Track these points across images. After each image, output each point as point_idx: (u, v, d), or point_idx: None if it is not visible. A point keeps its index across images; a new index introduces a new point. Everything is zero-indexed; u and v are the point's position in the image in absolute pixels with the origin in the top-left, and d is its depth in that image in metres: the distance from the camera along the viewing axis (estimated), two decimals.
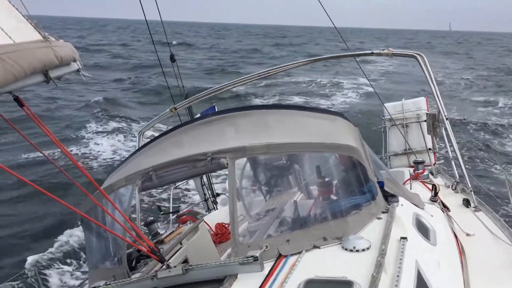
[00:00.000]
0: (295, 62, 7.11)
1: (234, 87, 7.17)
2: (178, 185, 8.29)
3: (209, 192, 8.31)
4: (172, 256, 3.91)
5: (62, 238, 10.61)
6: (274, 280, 2.79)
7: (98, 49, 59.42)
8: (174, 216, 6.81)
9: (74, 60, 3.11)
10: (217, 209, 7.97)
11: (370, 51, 6.30)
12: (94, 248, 3.99)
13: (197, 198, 10.35)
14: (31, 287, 8.05)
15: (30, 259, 9.21)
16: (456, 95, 31.35)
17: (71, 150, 17.51)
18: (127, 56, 53.47)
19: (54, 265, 9.07)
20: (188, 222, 5.37)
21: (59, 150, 2.99)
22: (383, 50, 6.08)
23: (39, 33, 2.86)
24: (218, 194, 8.54)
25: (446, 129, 6.04)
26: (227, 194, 8.64)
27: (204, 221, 5.23)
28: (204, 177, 8.16)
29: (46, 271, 8.87)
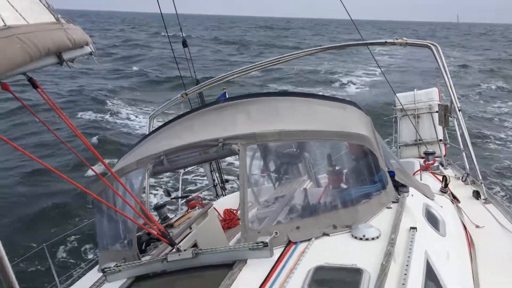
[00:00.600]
0: (307, 49, 7.06)
1: (245, 74, 7.15)
2: (187, 171, 8.32)
3: (218, 178, 8.35)
4: (181, 240, 3.94)
5: (73, 218, 10.77)
6: (284, 266, 2.80)
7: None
8: (183, 201, 6.85)
9: (87, 44, 3.11)
10: (225, 195, 8.00)
11: (384, 41, 6.24)
12: (105, 230, 4.03)
13: (206, 183, 10.41)
14: (40, 267, 8.19)
15: (40, 239, 9.34)
16: (458, 82, 31.21)
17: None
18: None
19: (64, 246, 9.20)
20: (197, 207, 5.40)
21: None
22: (397, 39, 6.02)
23: (52, 15, 2.85)
24: (226, 180, 8.58)
25: (458, 121, 5.99)
26: (235, 180, 8.70)
27: (213, 207, 5.26)
28: (213, 163, 8.19)
29: (56, 252, 9.01)
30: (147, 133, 5.50)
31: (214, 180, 8.29)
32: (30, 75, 2.68)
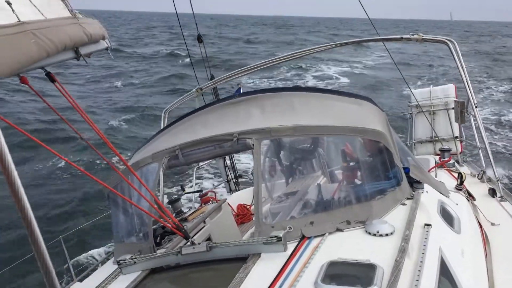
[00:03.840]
0: (322, 45, 7.02)
1: (259, 69, 7.14)
2: (201, 165, 8.36)
3: (232, 173, 8.38)
4: (196, 234, 3.97)
5: (89, 211, 10.90)
6: (297, 260, 2.81)
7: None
8: (196, 196, 6.89)
9: (103, 38, 3.14)
10: (239, 190, 8.03)
11: (399, 36, 6.19)
12: (120, 223, 4.07)
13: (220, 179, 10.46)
14: (56, 259, 8.29)
15: (56, 230, 9.46)
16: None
17: None
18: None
19: (80, 238, 9.28)
20: (211, 202, 5.43)
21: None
22: (413, 35, 5.96)
23: (68, 9, 2.88)
24: (240, 176, 8.61)
25: (475, 117, 5.93)
26: (249, 176, 8.72)
27: (227, 202, 5.28)
28: (227, 158, 8.22)
29: (72, 244, 9.11)
30: (162, 127, 5.53)
31: (228, 176, 8.33)
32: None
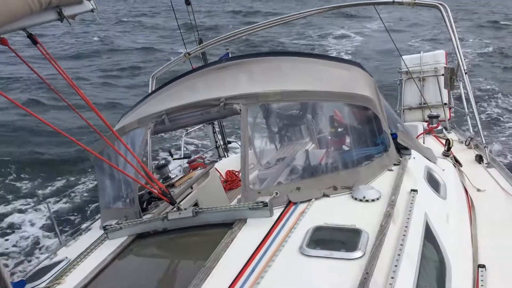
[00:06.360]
0: (313, 9, 6.90)
1: (249, 33, 7.03)
2: (189, 131, 8.33)
3: (221, 139, 8.35)
4: (182, 200, 3.96)
5: (74, 176, 10.86)
6: (283, 225, 2.82)
7: None
8: (185, 162, 6.86)
9: None
10: (227, 156, 8.02)
11: (391, 0, 6.09)
12: (106, 188, 4.05)
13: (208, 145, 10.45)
14: (43, 224, 8.31)
15: (42, 196, 9.46)
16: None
17: None
18: None
19: (66, 203, 9.29)
20: (199, 168, 5.41)
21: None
22: None
23: None
24: (229, 142, 8.59)
25: (464, 84, 5.92)
26: (238, 142, 8.70)
27: (215, 168, 5.26)
28: (216, 124, 8.18)
29: (59, 209, 9.11)
30: (149, 92, 5.45)
31: (216, 142, 8.31)
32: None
